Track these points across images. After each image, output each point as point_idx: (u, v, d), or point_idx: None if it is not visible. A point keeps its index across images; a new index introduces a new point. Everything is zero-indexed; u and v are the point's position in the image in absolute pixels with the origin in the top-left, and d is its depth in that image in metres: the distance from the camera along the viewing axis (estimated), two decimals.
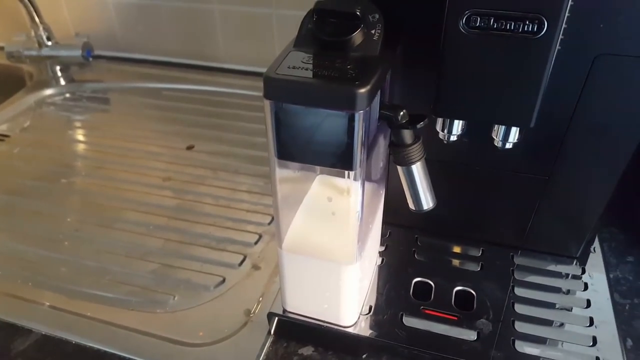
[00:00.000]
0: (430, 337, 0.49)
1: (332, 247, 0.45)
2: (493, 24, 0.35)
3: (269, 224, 0.68)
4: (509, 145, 0.42)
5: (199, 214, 0.70)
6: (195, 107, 0.94)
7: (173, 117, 0.92)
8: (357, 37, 0.39)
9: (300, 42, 0.40)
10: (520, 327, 0.50)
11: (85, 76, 1.04)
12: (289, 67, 0.37)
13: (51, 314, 0.56)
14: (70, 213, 0.71)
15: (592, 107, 0.45)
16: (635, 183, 0.52)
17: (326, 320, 0.50)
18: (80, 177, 0.78)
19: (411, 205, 0.44)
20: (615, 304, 0.53)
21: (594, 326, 0.51)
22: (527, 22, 0.34)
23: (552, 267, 0.57)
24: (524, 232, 0.57)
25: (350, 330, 0.50)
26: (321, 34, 0.39)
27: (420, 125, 0.39)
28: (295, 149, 0.39)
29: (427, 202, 0.43)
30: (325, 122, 0.37)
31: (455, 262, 0.58)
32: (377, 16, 0.40)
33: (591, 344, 0.49)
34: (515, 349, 0.48)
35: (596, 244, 0.60)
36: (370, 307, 0.52)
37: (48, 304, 0.57)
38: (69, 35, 1.03)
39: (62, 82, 1.02)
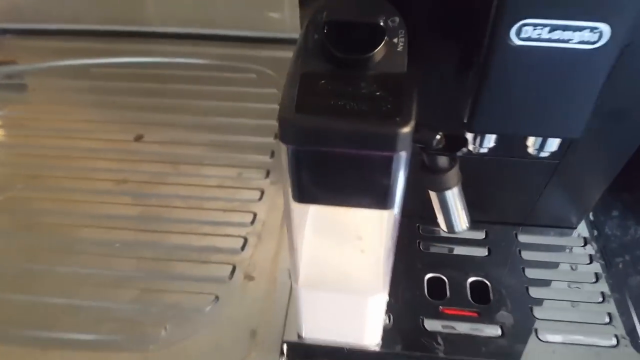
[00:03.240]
0: (456, 340, 0.48)
1: (356, 278, 0.41)
2: (547, 35, 0.30)
3: (252, 223, 0.62)
4: (544, 154, 0.38)
5: (169, 221, 0.62)
6: (134, 86, 0.82)
7: (110, 100, 0.79)
8: (380, 50, 0.32)
9: (307, 60, 0.33)
10: (539, 313, 0.50)
11: None
12: (305, 100, 0.30)
13: None
14: (14, 240, 0.61)
15: (613, 94, 0.42)
16: None
17: (348, 342, 0.47)
18: (15, 191, 0.67)
19: (443, 227, 0.40)
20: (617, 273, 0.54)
21: (606, 302, 0.51)
22: (587, 32, 0.29)
23: (554, 242, 0.57)
24: (527, 210, 0.55)
25: (376, 349, 0.47)
26: (336, 50, 0.32)
27: (460, 153, 0.34)
28: (319, 192, 0.33)
29: (461, 224, 0.39)
30: (358, 164, 0.31)
31: (462, 248, 0.56)
32: (397, 20, 0.33)
33: (608, 320, 0.50)
34: (539, 339, 0.48)
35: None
36: (390, 317, 0.50)
37: None
38: None
39: None
